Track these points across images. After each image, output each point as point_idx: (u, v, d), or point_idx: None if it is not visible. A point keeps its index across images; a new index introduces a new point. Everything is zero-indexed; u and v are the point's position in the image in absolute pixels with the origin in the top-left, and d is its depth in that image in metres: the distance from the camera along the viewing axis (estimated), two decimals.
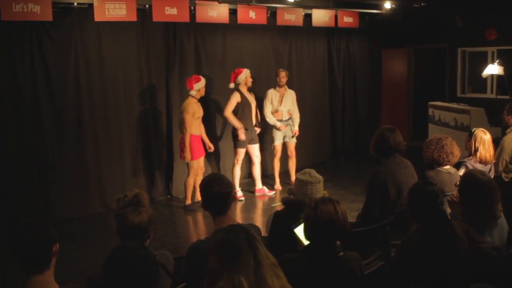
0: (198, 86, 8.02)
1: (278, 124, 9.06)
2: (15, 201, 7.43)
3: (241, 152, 8.63)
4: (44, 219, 2.90)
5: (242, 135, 8.42)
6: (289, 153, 9.40)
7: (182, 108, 8.01)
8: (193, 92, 7.98)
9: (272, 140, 9.29)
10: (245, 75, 8.48)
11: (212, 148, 8.36)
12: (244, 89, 8.52)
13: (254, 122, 8.73)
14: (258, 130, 8.88)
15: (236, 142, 8.59)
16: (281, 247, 3.52)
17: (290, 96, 9.21)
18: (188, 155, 7.95)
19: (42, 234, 2.76)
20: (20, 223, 2.83)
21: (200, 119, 8.15)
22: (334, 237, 3.19)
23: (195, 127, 8.00)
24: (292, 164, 9.48)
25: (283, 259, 3.04)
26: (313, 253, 3.18)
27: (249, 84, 8.54)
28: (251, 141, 8.71)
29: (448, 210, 4.37)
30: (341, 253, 3.19)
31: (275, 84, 9.30)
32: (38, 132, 7.60)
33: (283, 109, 9.12)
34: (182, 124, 8.00)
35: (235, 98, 8.45)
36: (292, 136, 9.27)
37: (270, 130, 9.29)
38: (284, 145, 9.34)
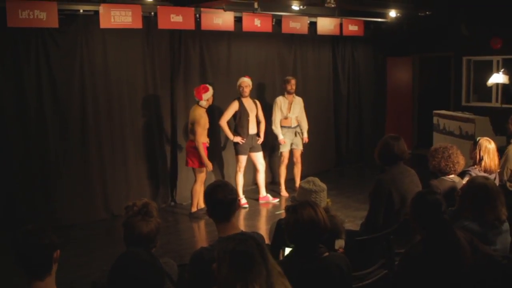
0: (207, 96, 8.01)
1: (281, 136, 9.10)
2: (18, 207, 7.46)
3: (242, 159, 8.63)
4: (45, 225, 2.90)
5: (237, 138, 8.46)
6: (295, 159, 9.43)
7: (192, 119, 7.94)
8: (203, 103, 7.97)
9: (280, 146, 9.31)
10: (237, 84, 8.53)
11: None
12: (244, 98, 8.54)
13: (254, 131, 8.72)
14: (260, 139, 8.86)
15: (237, 150, 8.60)
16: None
17: (298, 103, 9.25)
18: (207, 163, 7.97)
19: (43, 240, 2.76)
20: (21, 229, 2.83)
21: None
22: (317, 238, 3.21)
23: (203, 136, 8.01)
24: (298, 171, 9.51)
25: None
26: (298, 256, 3.19)
27: (242, 93, 8.50)
28: (252, 149, 8.71)
29: None
30: (326, 253, 3.20)
31: (279, 92, 9.29)
32: (43, 138, 7.63)
33: (292, 116, 9.15)
34: (192, 134, 7.97)
35: (233, 107, 8.48)
36: (302, 143, 9.30)
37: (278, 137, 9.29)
38: (291, 152, 9.36)
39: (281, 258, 3.75)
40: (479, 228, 3.74)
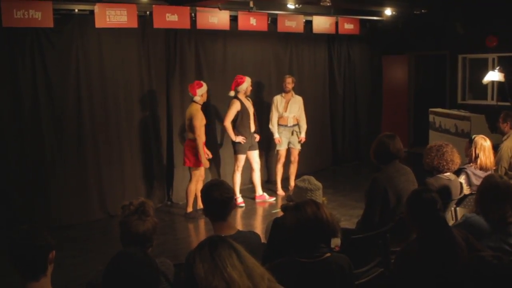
0: (201, 91, 8.01)
1: (276, 135, 9.12)
2: (15, 207, 7.44)
3: (241, 158, 8.63)
4: (41, 225, 2.89)
5: (239, 138, 8.45)
6: (292, 158, 9.42)
7: (189, 115, 7.95)
8: (197, 98, 7.97)
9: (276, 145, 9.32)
10: (246, 85, 8.48)
11: (210, 155, 8.33)
12: (243, 97, 8.53)
13: (253, 129, 8.73)
14: (257, 137, 8.87)
15: (236, 149, 8.60)
16: (280, 254, 3.52)
17: (297, 102, 9.24)
18: (205, 161, 7.98)
19: (39, 241, 2.75)
20: (16, 229, 2.82)
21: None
22: (320, 236, 3.10)
23: (203, 132, 8.00)
24: (293, 170, 9.50)
25: (269, 266, 2.84)
26: (299, 256, 3.08)
27: (248, 92, 8.56)
28: (250, 148, 8.70)
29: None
30: (328, 254, 3.12)
31: (275, 91, 9.28)
32: (39, 138, 7.61)
33: (289, 115, 9.16)
34: (190, 131, 7.95)
35: (235, 107, 8.45)
36: (298, 142, 9.31)
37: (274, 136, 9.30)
38: (288, 151, 9.36)
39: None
40: (485, 224, 3.80)
